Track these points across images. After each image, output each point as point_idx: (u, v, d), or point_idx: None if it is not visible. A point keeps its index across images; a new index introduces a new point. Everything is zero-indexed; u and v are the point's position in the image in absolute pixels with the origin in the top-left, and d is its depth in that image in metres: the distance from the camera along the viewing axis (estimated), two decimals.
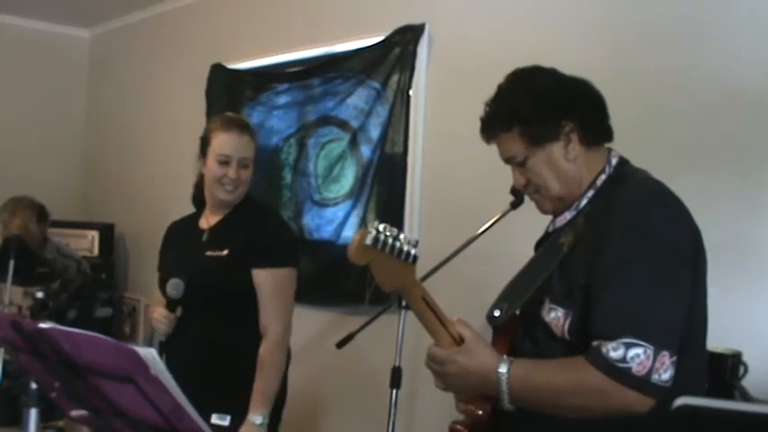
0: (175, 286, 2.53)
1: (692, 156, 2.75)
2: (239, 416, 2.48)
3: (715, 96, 2.69)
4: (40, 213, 4.13)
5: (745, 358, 2.30)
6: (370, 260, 1.57)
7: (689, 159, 2.74)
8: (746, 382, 2.30)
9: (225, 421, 2.41)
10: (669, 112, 2.81)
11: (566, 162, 1.76)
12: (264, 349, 2.58)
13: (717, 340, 2.25)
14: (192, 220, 2.82)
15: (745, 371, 2.30)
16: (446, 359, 1.70)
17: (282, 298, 2.63)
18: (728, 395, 2.28)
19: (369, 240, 1.55)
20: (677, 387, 1.55)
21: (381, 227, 1.56)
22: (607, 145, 1.83)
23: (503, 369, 1.65)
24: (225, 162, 2.62)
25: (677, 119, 2.79)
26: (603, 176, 1.77)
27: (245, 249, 2.60)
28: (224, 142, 2.64)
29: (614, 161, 1.80)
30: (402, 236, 1.59)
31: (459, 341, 1.69)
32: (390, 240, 1.57)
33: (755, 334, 2.49)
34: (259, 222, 2.69)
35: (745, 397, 2.29)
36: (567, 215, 1.80)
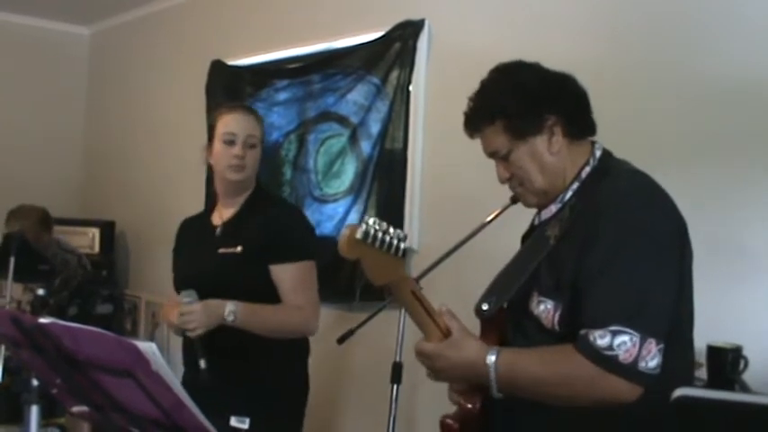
0: (188, 295, 2.46)
1: (691, 150, 2.75)
2: (260, 418, 2.46)
3: (710, 94, 2.69)
4: (46, 219, 4.16)
5: (746, 352, 2.30)
6: (360, 255, 1.57)
7: (687, 154, 2.75)
8: (747, 377, 2.30)
9: (244, 424, 2.39)
10: (666, 110, 2.81)
11: (549, 155, 1.77)
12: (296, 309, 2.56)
13: (717, 334, 2.26)
14: (204, 216, 2.77)
15: (746, 365, 2.30)
16: (434, 354, 1.70)
17: (304, 290, 2.58)
18: (729, 389, 2.28)
19: (359, 234, 1.54)
20: (664, 375, 1.56)
21: (371, 221, 1.56)
22: (591, 138, 1.84)
23: (491, 358, 1.65)
24: (231, 141, 2.58)
25: (675, 116, 2.79)
26: (588, 169, 1.78)
27: (259, 245, 2.54)
28: (229, 121, 2.61)
29: (598, 153, 1.80)
30: (391, 230, 1.58)
31: (447, 334, 1.70)
32: (380, 234, 1.56)
33: (756, 328, 2.49)
34: (273, 216, 2.62)
35: (746, 391, 2.29)
36: (553, 208, 1.81)
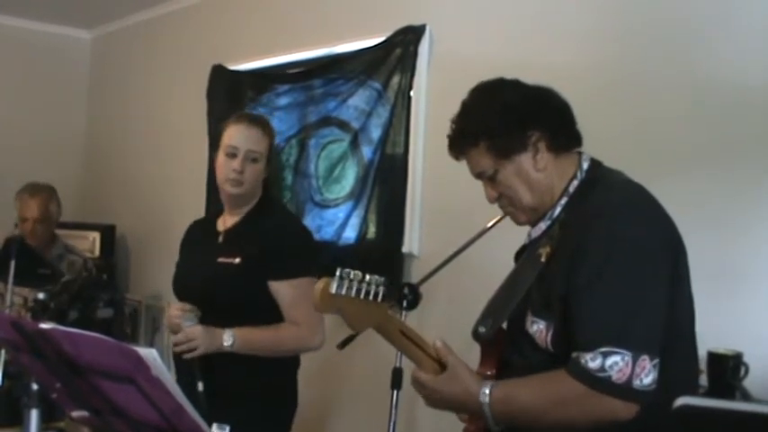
0: (189, 319, 2.47)
1: (692, 154, 2.75)
2: (240, 427, 2.44)
3: (710, 100, 2.70)
4: (57, 196, 4.21)
5: (746, 359, 2.30)
6: (337, 307, 1.55)
7: (688, 158, 2.75)
8: (747, 383, 2.30)
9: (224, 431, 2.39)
10: (668, 113, 2.81)
11: (535, 172, 1.76)
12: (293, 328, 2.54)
13: (718, 341, 2.25)
14: (212, 220, 2.75)
15: (746, 371, 2.30)
16: (429, 387, 1.70)
17: (302, 307, 2.51)
18: (730, 396, 2.28)
19: (333, 289, 1.52)
20: (666, 387, 1.55)
21: (345, 272, 1.54)
22: (578, 150, 1.83)
23: (484, 394, 1.65)
24: (232, 155, 2.55)
25: (676, 122, 2.79)
26: (576, 182, 1.77)
27: (257, 260, 2.51)
28: (233, 134, 2.57)
29: (585, 165, 1.79)
30: (368, 277, 1.56)
31: (442, 367, 1.69)
32: (356, 284, 1.54)
33: (756, 334, 2.49)
34: (273, 230, 2.58)
35: (747, 398, 2.29)
36: (543, 225, 1.79)
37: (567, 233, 1.69)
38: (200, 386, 2.41)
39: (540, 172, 1.76)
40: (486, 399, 1.64)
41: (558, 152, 1.77)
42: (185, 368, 2.47)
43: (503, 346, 1.81)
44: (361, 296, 1.55)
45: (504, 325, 1.81)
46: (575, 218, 1.71)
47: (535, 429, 1.65)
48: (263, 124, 2.65)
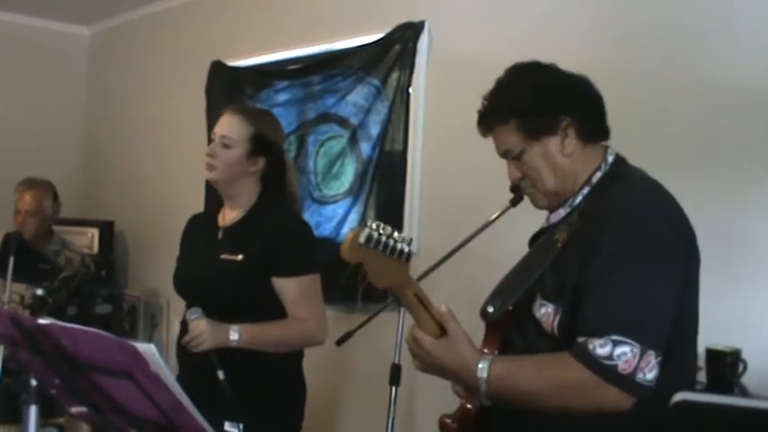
0: (194, 312, 2.47)
1: (692, 154, 2.75)
2: (253, 423, 2.45)
3: (713, 97, 2.70)
4: (54, 193, 4.21)
5: (745, 355, 2.30)
6: (363, 258, 1.56)
7: (688, 157, 2.75)
8: (746, 380, 2.30)
9: (237, 429, 2.39)
10: (669, 113, 2.82)
11: (562, 157, 1.77)
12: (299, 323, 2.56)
13: (716, 338, 2.26)
14: (211, 215, 2.74)
15: (745, 368, 2.30)
16: (424, 347, 1.68)
17: (308, 303, 2.56)
18: (728, 393, 2.28)
19: (362, 239, 1.53)
20: (666, 384, 1.54)
21: (375, 225, 1.55)
22: (604, 143, 1.83)
23: (482, 367, 1.64)
24: (211, 140, 2.58)
25: (676, 119, 2.80)
26: (599, 174, 1.78)
27: (261, 257, 2.52)
28: (217, 122, 2.60)
29: (611, 159, 1.80)
30: (396, 234, 1.57)
31: (443, 331, 1.68)
32: (384, 238, 1.55)
33: (755, 331, 2.49)
34: (276, 227, 2.57)
35: (745, 394, 2.30)
36: (562, 212, 1.80)
37: (586, 223, 1.70)
38: (221, 374, 2.38)
39: (566, 157, 1.76)
40: (485, 374, 1.63)
41: (585, 141, 1.78)
42: (200, 362, 2.44)
43: (508, 327, 1.81)
44: (387, 252, 1.56)
45: (511, 308, 1.81)
46: (595, 209, 1.71)
47: (527, 410, 1.65)
48: (248, 113, 2.64)
